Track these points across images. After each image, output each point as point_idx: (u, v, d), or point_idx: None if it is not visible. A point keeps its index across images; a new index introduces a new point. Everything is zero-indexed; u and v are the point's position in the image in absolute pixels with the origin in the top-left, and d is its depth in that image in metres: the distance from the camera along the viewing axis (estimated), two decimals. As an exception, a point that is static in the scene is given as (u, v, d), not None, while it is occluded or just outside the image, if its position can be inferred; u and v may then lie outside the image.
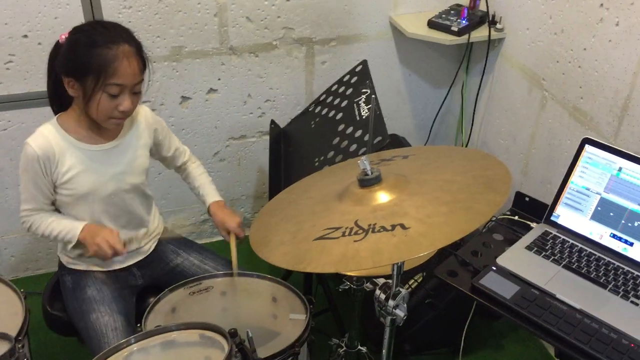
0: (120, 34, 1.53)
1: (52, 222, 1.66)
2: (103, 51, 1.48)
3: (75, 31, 1.54)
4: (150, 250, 1.83)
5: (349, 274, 1.64)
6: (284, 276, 2.17)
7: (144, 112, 1.75)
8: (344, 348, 1.89)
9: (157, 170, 2.44)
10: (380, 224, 1.10)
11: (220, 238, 2.11)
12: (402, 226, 1.08)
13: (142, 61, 1.56)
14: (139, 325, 1.59)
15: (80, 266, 1.74)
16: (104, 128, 1.63)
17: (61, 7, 2.09)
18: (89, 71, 1.49)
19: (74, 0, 2.09)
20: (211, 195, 1.88)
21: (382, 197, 1.18)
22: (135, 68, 1.52)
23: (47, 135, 1.60)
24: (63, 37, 1.55)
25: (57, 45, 1.57)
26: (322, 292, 2.22)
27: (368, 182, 1.20)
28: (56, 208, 1.70)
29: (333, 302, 2.21)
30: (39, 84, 2.17)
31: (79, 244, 1.65)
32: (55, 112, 1.67)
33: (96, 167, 1.64)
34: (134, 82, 1.53)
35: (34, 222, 1.67)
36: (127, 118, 1.62)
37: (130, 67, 1.51)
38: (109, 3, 2.13)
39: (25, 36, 2.10)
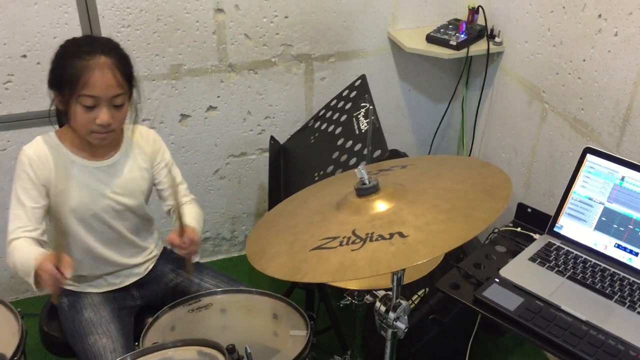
0: (100, 46, 1.51)
1: (20, 253, 1.51)
2: (77, 62, 1.48)
3: (62, 44, 1.55)
4: (147, 271, 1.80)
5: (349, 287, 1.61)
6: (286, 294, 2.14)
7: (150, 136, 1.73)
8: (347, 365, 1.86)
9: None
10: (378, 233, 1.08)
11: (220, 256, 2.12)
12: (401, 234, 1.06)
13: (123, 74, 1.53)
14: (137, 343, 1.57)
15: (77, 288, 1.72)
16: (98, 147, 1.62)
17: (60, 27, 2.10)
18: (64, 82, 1.49)
19: (72, 20, 2.10)
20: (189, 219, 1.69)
21: (380, 206, 1.16)
22: (109, 80, 1.49)
23: (43, 144, 1.60)
24: None
25: None
26: (324, 310, 2.19)
27: (366, 191, 1.18)
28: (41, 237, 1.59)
29: (335, 319, 2.17)
30: (38, 103, 2.17)
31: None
32: (61, 125, 1.68)
33: (88, 183, 1.62)
34: (108, 94, 1.50)
35: (11, 253, 1.53)
36: (112, 134, 1.57)
37: (104, 78, 1.48)
38: (107, 22, 2.14)
39: (24, 56, 2.10)
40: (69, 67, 1.48)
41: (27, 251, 1.51)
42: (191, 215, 1.73)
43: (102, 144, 1.61)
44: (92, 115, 1.51)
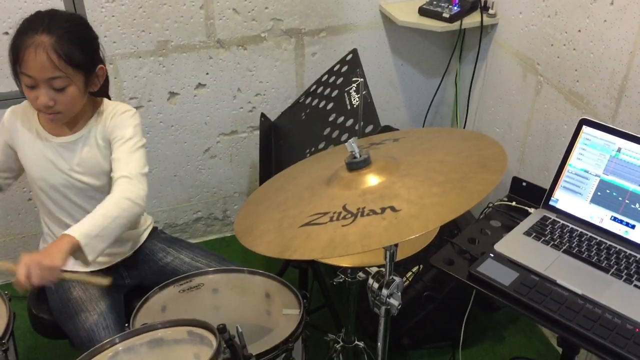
0: (43, 24, 1.44)
1: None
2: (18, 39, 1.45)
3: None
4: (133, 250, 1.77)
5: (342, 265, 1.59)
6: (279, 273, 2.12)
7: (113, 113, 1.63)
8: (341, 343, 1.84)
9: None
10: (370, 208, 1.05)
11: (213, 236, 2.08)
12: (393, 209, 1.03)
13: (63, 56, 1.44)
14: (127, 325, 1.54)
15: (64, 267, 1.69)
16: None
17: (42, 3, 2.04)
18: (11, 59, 1.48)
19: (55, -5, 2.04)
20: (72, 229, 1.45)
21: (372, 180, 1.13)
22: (42, 61, 1.42)
23: (19, 111, 1.64)
24: None
25: None
26: (318, 289, 2.17)
27: (356, 165, 1.15)
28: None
29: (329, 297, 2.16)
30: (22, 82, 2.12)
31: None
32: None
33: (48, 157, 1.61)
34: (43, 76, 1.44)
35: None
36: (60, 115, 1.53)
37: (37, 59, 1.42)
38: (91, -3, 2.09)
39: (6, 33, 2.05)
40: (14, 43, 1.46)
41: None
42: (89, 221, 1.47)
43: (55, 123, 1.60)
44: (34, 94, 1.48)
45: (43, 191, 1.65)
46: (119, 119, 1.62)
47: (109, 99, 1.71)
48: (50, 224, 1.72)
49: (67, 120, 1.59)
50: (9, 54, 1.48)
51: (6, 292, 1.59)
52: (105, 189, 1.65)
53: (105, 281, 1.52)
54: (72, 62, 1.46)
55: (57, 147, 1.62)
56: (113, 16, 2.13)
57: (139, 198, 1.52)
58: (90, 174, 1.64)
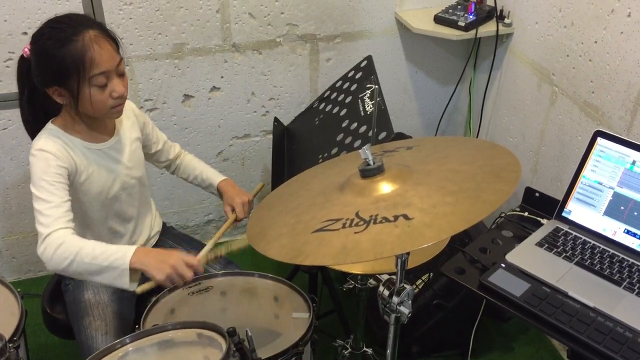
0: (79, 21, 1.45)
1: (85, 244, 1.41)
2: (72, 46, 1.40)
3: (38, 39, 1.44)
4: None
5: (352, 271, 1.59)
6: (288, 277, 2.12)
7: (129, 106, 1.71)
8: (349, 349, 1.84)
9: (160, 171, 2.40)
10: (383, 215, 1.05)
11: (223, 239, 2.04)
12: (405, 217, 1.03)
13: (113, 40, 1.48)
14: (137, 326, 1.55)
15: None
16: (100, 126, 1.59)
17: (61, 4, 2.06)
18: (68, 72, 1.41)
19: (74, -3, 2.07)
20: (217, 175, 1.87)
21: (385, 187, 1.13)
22: (109, 50, 1.45)
23: (54, 137, 1.52)
24: (26, 49, 1.47)
25: (23, 59, 1.50)
26: (327, 294, 2.17)
27: (370, 172, 1.15)
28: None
29: (338, 303, 2.15)
30: (39, 82, 2.14)
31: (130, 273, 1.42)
32: (32, 136, 1.58)
33: (105, 165, 1.60)
34: (114, 64, 1.46)
35: (58, 244, 1.40)
36: (123, 105, 1.55)
37: (104, 51, 1.43)
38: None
39: (25, 33, 2.07)
40: (66, 53, 1.40)
41: (97, 244, 1.42)
42: (216, 171, 1.89)
43: (119, 116, 1.58)
44: (107, 92, 1.47)
45: (97, 202, 1.60)
46: (134, 109, 1.74)
47: None
48: (91, 231, 1.66)
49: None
50: (65, 69, 1.41)
51: (19, 290, 1.60)
52: (142, 181, 1.72)
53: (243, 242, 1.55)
54: (118, 45, 1.50)
55: (108, 151, 1.61)
56: (130, 18, 2.15)
57: None
58: (138, 166, 1.69)
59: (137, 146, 1.71)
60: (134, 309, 1.73)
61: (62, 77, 1.43)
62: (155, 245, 1.82)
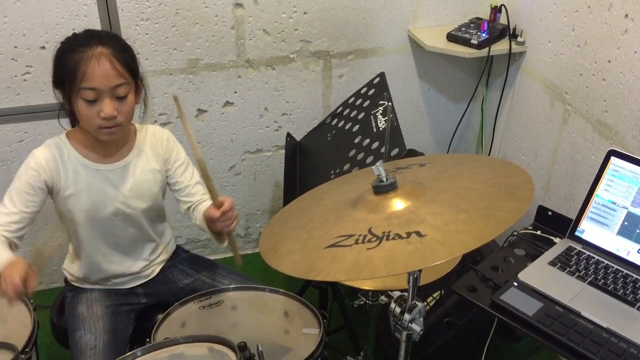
0: (97, 37, 1.47)
1: None
2: (73, 55, 1.43)
3: (62, 41, 1.51)
4: (154, 274, 1.76)
5: (363, 287, 1.59)
6: (299, 292, 2.12)
7: (162, 136, 1.69)
8: (359, 366, 1.83)
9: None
10: (395, 232, 1.05)
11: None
12: (418, 234, 1.03)
13: (124, 64, 1.47)
14: (148, 340, 1.55)
15: (80, 284, 1.73)
16: (107, 146, 1.58)
17: (79, 19, 2.10)
18: (64, 78, 1.45)
19: (91, 12, 2.09)
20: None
21: (398, 204, 1.13)
22: (107, 70, 1.44)
23: (53, 148, 1.56)
24: None
25: None
26: (337, 310, 2.16)
27: (383, 188, 1.15)
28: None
29: (349, 319, 2.15)
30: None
31: None
32: (72, 125, 1.64)
33: (99, 187, 1.58)
34: (108, 85, 1.44)
35: None
36: (121, 128, 1.52)
37: (101, 68, 1.43)
38: (126, 15, 2.14)
39: (43, 47, 2.10)
40: (67, 61, 1.44)
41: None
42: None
43: (113, 139, 1.55)
44: (96, 109, 1.46)
45: (85, 222, 1.60)
46: (170, 141, 1.70)
47: None
48: (83, 249, 1.67)
49: (122, 134, 1.57)
50: (62, 74, 1.45)
51: (32, 301, 1.61)
52: (148, 213, 1.67)
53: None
54: (129, 68, 1.49)
55: (107, 174, 1.59)
56: (147, 34, 2.18)
57: None
58: (142, 197, 1.64)
59: (151, 178, 1.65)
60: (132, 322, 1.73)
61: (60, 82, 1.49)
62: (160, 272, 1.77)
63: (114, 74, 1.45)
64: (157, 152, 1.67)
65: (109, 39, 1.49)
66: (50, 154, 1.55)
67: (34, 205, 1.54)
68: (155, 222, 1.73)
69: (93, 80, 1.43)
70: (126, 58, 1.49)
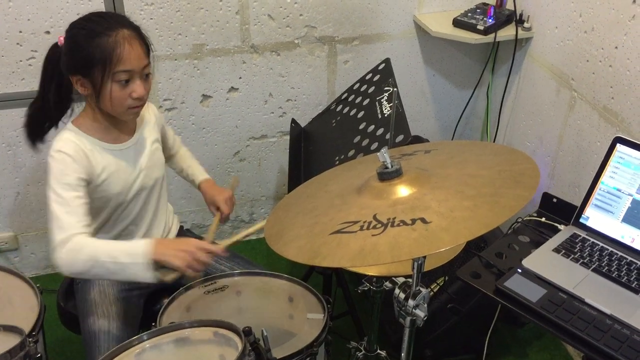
0: (116, 20, 1.49)
1: (101, 245, 1.44)
2: (103, 40, 1.43)
3: (72, 27, 1.49)
4: None
5: (367, 273, 1.59)
6: (303, 278, 2.13)
7: (151, 108, 1.75)
8: (363, 352, 1.84)
9: (177, 169, 2.42)
10: (400, 218, 1.06)
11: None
12: (423, 220, 1.03)
13: (145, 44, 1.51)
14: (153, 324, 1.56)
15: None
16: (120, 126, 1.60)
17: (84, 4, 2.09)
18: (93, 63, 1.44)
19: (96, -3, 2.09)
20: (201, 174, 1.92)
21: (402, 190, 1.14)
22: (139, 51, 1.47)
23: (73, 139, 1.53)
24: (61, 38, 1.50)
25: (56, 47, 1.53)
26: (341, 295, 2.17)
27: (388, 175, 1.16)
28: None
29: (352, 305, 2.16)
30: (61, 80, 2.17)
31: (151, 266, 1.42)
32: (31, 133, 1.64)
33: (125, 166, 1.61)
34: (140, 65, 1.48)
35: (77, 249, 1.42)
36: (143, 107, 1.57)
37: (134, 50, 1.46)
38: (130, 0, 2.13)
39: (48, 32, 2.10)
40: (96, 45, 1.43)
41: (113, 243, 1.47)
42: (202, 168, 1.95)
43: (135, 118, 1.62)
44: (128, 91, 1.48)
45: (115, 203, 1.61)
46: (154, 109, 1.78)
47: None
48: (105, 231, 1.67)
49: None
50: (90, 60, 1.43)
51: (38, 285, 1.63)
52: (162, 182, 1.74)
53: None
54: (149, 49, 1.53)
55: (127, 152, 1.62)
56: (151, 19, 2.18)
57: None
58: (157, 167, 1.70)
59: (157, 147, 1.72)
60: (142, 307, 1.75)
61: (87, 68, 1.46)
62: None
63: (144, 55, 1.50)
64: (153, 122, 1.74)
65: (125, 20, 1.51)
66: (75, 145, 1.52)
67: (85, 195, 1.50)
68: (164, 193, 1.78)
69: (129, 62, 1.45)
70: (145, 37, 1.53)
